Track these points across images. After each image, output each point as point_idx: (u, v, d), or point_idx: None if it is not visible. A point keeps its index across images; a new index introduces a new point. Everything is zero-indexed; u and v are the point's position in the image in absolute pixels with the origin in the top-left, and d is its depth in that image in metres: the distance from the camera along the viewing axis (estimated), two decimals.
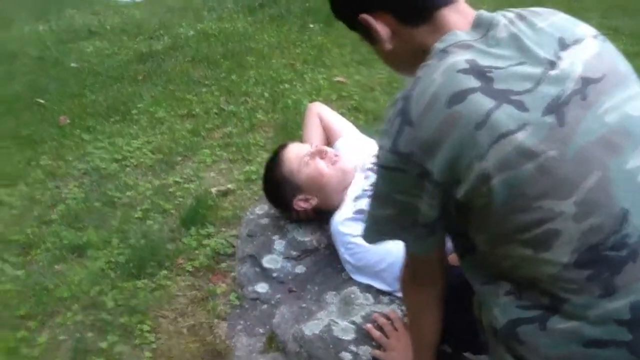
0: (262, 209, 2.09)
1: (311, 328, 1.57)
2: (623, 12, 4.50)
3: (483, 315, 1.10)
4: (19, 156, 2.82)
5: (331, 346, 1.52)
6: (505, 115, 0.89)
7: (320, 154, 1.84)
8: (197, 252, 2.04)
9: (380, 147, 1.01)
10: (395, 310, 1.59)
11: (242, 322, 1.74)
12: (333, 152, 1.89)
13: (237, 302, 1.80)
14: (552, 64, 0.95)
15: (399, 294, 1.62)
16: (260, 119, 3.03)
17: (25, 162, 2.77)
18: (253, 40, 4.18)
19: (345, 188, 1.84)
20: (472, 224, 1.00)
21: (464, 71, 0.92)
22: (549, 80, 0.93)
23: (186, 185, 2.47)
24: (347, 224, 1.71)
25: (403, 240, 1.11)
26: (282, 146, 1.93)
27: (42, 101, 3.42)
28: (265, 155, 2.50)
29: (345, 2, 1.10)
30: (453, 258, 1.15)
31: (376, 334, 1.51)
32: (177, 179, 2.52)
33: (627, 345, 0.91)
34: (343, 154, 1.99)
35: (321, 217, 1.89)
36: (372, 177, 1.78)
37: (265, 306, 1.76)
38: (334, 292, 1.69)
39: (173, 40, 4.28)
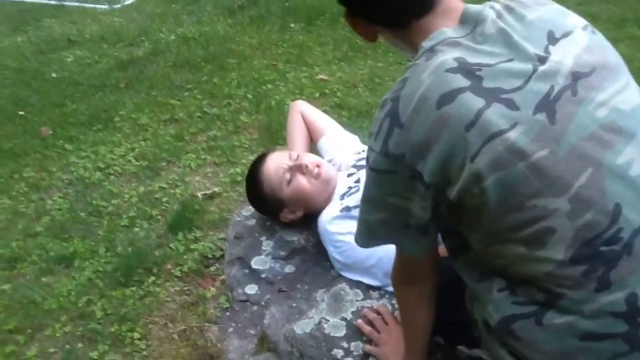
0: (248, 210, 2.07)
1: (302, 327, 1.57)
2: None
3: (476, 310, 1.10)
4: (1, 170, 2.79)
5: (323, 344, 1.52)
6: (496, 115, 0.89)
7: (300, 169, 1.77)
8: (185, 257, 2.03)
9: (370, 149, 1.00)
10: (385, 305, 1.59)
11: (233, 324, 1.73)
12: (313, 162, 1.81)
13: (227, 305, 1.79)
14: (541, 60, 0.94)
15: (389, 289, 1.62)
16: (244, 121, 3.02)
17: (8, 175, 2.74)
18: (234, 42, 4.16)
19: (331, 194, 1.82)
20: (465, 223, 0.99)
21: (453, 70, 0.91)
22: (538, 76, 0.92)
23: (172, 191, 2.46)
24: (335, 223, 1.71)
25: (396, 243, 1.11)
26: (260, 160, 1.86)
27: (23, 113, 3.39)
28: (250, 157, 2.50)
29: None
30: (443, 249, 1.15)
31: (367, 329, 1.51)
32: (163, 185, 2.51)
33: (623, 336, 0.91)
34: (327, 156, 1.98)
35: (310, 220, 1.89)
36: (357, 174, 1.80)
37: (255, 307, 1.75)
38: (323, 290, 1.69)
39: (154, 45, 4.25)
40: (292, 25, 4.38)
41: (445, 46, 0.95)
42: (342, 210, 1.71)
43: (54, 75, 3.96)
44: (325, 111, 2.35)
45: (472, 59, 0.93)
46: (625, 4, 4.47)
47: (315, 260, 1.82)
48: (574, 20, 1.04)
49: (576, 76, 0.94)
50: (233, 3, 4.93)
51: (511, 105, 0.90)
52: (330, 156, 2.00)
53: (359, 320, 1.54)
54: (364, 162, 1.81)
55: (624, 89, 0.98)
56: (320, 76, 3.49)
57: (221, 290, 1.87)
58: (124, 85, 3.65)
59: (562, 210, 0.89)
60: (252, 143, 2.79)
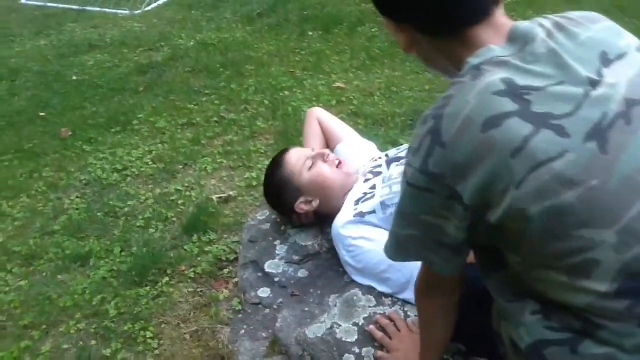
0: (263, 214, 2.09)
1: (314, 331, 1.57)
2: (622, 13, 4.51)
3: (504, 330, 1.08)
4: (22, 169, 2.84)
5: (334, 349, 1.52)
6: (545, 143, 0.85)
7: (323, 157, 1.85)
8: (199, 259, 2.05)
9: (409, 165, 0.97)
10: (397, 312, 1.58)
11: (245, 327, 1.73)
12: (335, 156, 1.90)
13: (239, 308, 1.80)
14: (594, 83, 0.90)
15: (400, 296, 1.62)
16: (260, 127, 3.05)
17: (28, 174, 2.78)
18: (252, 49, 4.20)
19: (347, 192, 1.84)
20: (505, 245, 0.96)
21: (500, 93, 0.87)
22: (590, 102, 0.88)
23: (187, 193, 2.48)
24: (348, 227, 1.71)
25: (425, 260, 1.08)
26: (284, 150, 1.94)
27: (44, 114, 3.45)
28: (266, 162, 2.51)
29: (376, 2, 1.04)
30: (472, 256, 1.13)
31: (379, 334, 1.50)
32: (179, 187, 2.53)
33: None
34: (345, 158, 1.99)
35: (321, 221, 1.89)
36: (372, 180, 1.81)
37: (267, 311, 1.75)
38: (336, 295, 1.69)
39: (173, 51, 4.31)
40: (310, 33, 4.41)
41: (493, 66, 0.91)
42: (356, 215, 1.71)
43: (74, 78, 4.02)
44: (341, 119, 2.36)
45: (521, 80, 0.88)
46: None
47: (329, 265, 1.82)
48: (629, 41, 0.99)
49: (630, 103, 0.89)
50: (252, 11, 4.99)
51: (561, 132, 0.85)
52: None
53: (371, 326, 1.53)
54: (380, 169, 1.84)
55: None
56: (337, 84, 3.51)
57: (234, 292, 1.88)
58: (143, 89, 3.70)
59: (609, 242, 0.85)
60: (268, 149, 2.81)
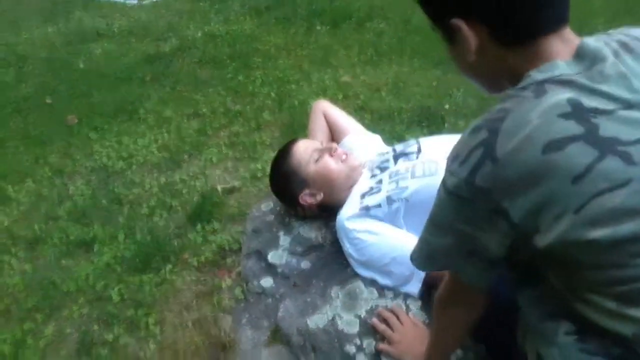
0: (267, 206, 2.09)
1: (316, 321, 1.57)
2: (631, 17, 4.49)
3: (530, 345, 1.06)
4: (28, 155, 2.85)
5: (336, 340, 1.52)
6: (609, 169, 0.81)
7: (330, 151, 1.85)
8: (202, 247, 2.05)
9: (452, 174, 0.93)
10: (399, 305, 1.59)
11: (247, 315, 1.74)
12: (342, 150, 1.90)
13: (241, 297, 1.80)
14: None
15: (402, 289, 1.62)
16: (266, 119, 3.05)
17: (33, 160, 2.79)
18: (259, 41, 4.20)
19: (352, 185, 1.84)
20: (549, 268, 0.94)
21: (566, 116, 0.83)
22: None
23: (192, 183, 2.49)
24: (353, 220, 1.71)
25: (456, 269, 1.05)
26: (292, 141, 1.93)
27: (50, 101, 3.46)
28: (271, 154, 2.51)
29: (441, 1, 0.98)
30: None
31: (381, 327, 1.50)
32: (184, 177, 2.54)
33: None
34: (351, 151, 1.99)
35: (326, 213, 1.90)
36: (379, 175, 1.81)
37: (269, 300, 1.76)
38: (338, 287, 1.69)
39: (180, 41, 4.31)
40: (318, 27, 4.41)
41: (558, 84, 0.87)
42: (362, 209, 1.72)
43: (82, 66, 4.04)
44: (347, 113, 2.36)
45: (588, 101, 0.84)
46: None
47: (332, 257, 1.82)
48: None
49: None
50: (260, 4, 4.98)
51: (627, 159, 0.82)
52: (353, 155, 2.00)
53: (374, 319, 1.53)
54: (387, 164, 1.84)
55: None
56: (344, 78, 3.50)
57: (237, 281, 1.88)
58: (149, 79, 3.70)
59: None
60: (273, 141, 2.81)
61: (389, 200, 1.67)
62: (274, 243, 1.91)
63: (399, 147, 1.92)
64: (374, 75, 3.54)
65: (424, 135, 2.60)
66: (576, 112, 0.83)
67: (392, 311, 1.55)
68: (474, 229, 0.94)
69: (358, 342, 1.51)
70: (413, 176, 1.67)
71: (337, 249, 1.81)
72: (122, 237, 2.14)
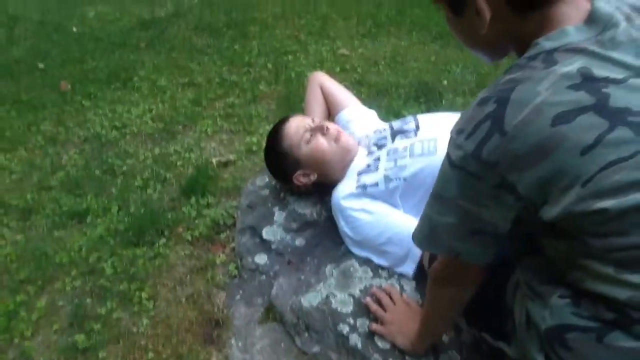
0: (262, 180, 2.08)
1: (309, 300, 1.58)
2: None
3: (519, 306, 1.08)
4: (19, 121, 2.80)
5: (329, 318, 1.53)
6: (619, 140, 0.81)
7: (322, 130, 1.80)
8: (196, 221, 2.04)
9: (458, 147, 0.91)
10: (393, 285, 1.59)
11: (240, 292, 1.74)
12: (335, 128, 1.85)
13: (235, 273, 1.80)
14: None
15: (397, 270, 1.63)
16: (262, 91, 3.01)
17: (26, 127, 2.76)
18: (257, 9, 4.13)
19: (347, 164, 1.82)
20: (551, 237, 0.94)
21: (576, 87, 0.82)
22: None
23: (187, 155, 2.46)
24: (349, 199, 1.70)
25: (457, 251, 1.03)
26: (283, 120, 1.90)
27: (42, 66, 3.40)
28: (267, 127, 2.49)
29: None
30: None
31: (374, 307, 1.51)
32: (178, 148, 2.51)
33: None
34: (346, 129, 1.97)
35: (321, 190, 1.88)
36: (377, 153, 1.79)
37: (263, 277, 1.76)
38: (333, 265, 1.69)
39: (176, 7, 4.23)
40: None
41: (568, 53, 0.86)
42: (358, 187, 1.70)
43: (75, 30, 3.96)
44: (344, 87, 2.33)
45: (599, 70, 0.83)
46: None
47: (327, 234, 1.82)
48: None
49: None
50: None
51: (638, 130, 0.81)
52: (349, 131, 1.98)
53: (367, 299, 1.54)
54: (384, 141, 1.82)
55: None
56: (342, 51, 3.45)
57: (230, 257, 1.88)
58: (144, 45, 3.64)
59: None
60: (269, 113, 2.78)
61: (387, 179, 1.66)
62: (268, 219, 1.90)
63: (396, 124, 1.89)
64: (372, 48, 3.49)
65: (421, 111, 2.58)
66: (586, 82, 0.82)
67: (385, 291, 1.56)
68: (478, 206, 0.93)
69: (351, 321, 1.51)
70: (412, 155, 1.65)
71: (332, 225, 1.81)
72: (115, 209, 2.12)
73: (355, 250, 1.71)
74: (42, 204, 2.18)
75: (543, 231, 0.94)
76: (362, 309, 1.53)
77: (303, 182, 1.84)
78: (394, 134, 1.83)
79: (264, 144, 1.97)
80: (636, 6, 0.91)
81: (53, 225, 2.07)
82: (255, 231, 1.88)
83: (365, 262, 1.68)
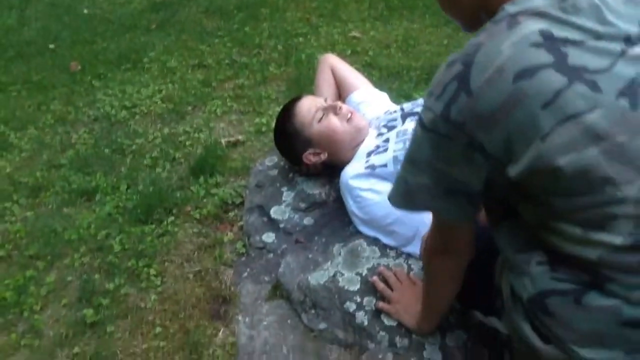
0: (271, 160, 2.07)
1: (317, 278, 1.58)
2: None
3: (505, 281, 1.08)
4: (30, 100, 2.82)
5: (336, 296, 1.53)
6: (577, 95, 0.84)
7: (334, 110, 1.80)
8: (205, 200, 2.04)
9: (428, 109, 0.95)
10: (401, 264, 1.58)
11: (248, 269, 1.74)
12: (347, 108, 1.84)
13: (243, 251, 1.80)
14: (631, 42, 0.88)
15: (405, 249, 1.62)
16: (272, 72, 2.99)
17: (36, 106, 2.76)
18: None
19: (357, 145, 1.81)
20: (520, 198, 0.96)
21: (537, 45, 0.86)
22: (626, 59, 0.87)
23: (196, 135, 2.46)
24: (358, 179, 1.70)
25: (436, 209, 1.06)
26: (296, 98, 1.89)
27: (53, 47, 3.40)
28: (276, 109, 2.48)
29: None
30: (482, 217, 1.12)
31: (380, 285, 1.50)
32: (187, 129, 2.51)
33: None
34: (357, 110, 1.95)
35: (330, 171, 1.88)
36: (386, 134, 1.78)
37: (271, 255, 1.76)
38: (341, 244, 1.68)
39: None
40: None
41: (531, 15, 0.89)
42: (367, 167, 1.69)
43: (85, 11, 3.96)
44: (355, 69, 2.31)
45: (559, 32, 0.87)
46: None
47: (335, 214, 1.82)
48: None
49: None
50: None
51: (594, 87, 0.85)
52: (360, 113, 1.97)
53: (374, 277, 1.53)
54: (395, 123, 1.80)
55: None
56: (353, 33, 3.43)
57: (238, 236, 1.88)
58: (154, 27, 3.63)
59: (631, 197, 0.85)
60: (279, 95, 2.76)
61: (396, 160, 1.65)
62: (277, 198, 1.90)
63: (407, 106, 1.88)
64: (384, 31, 3.46)
65: None
66: (547, 41, 0.86)
67: (392, 270, 1.55)
68: (450, 166, 0.96)
69: (358, 299, 1.51)
70: None
71: (341, 205, 1.80)
72: (124, 187, 2.12)
73: (364, 229, 1.70)
74: (51, 182, 2.19)
75: (513, 193, 0.96)
76: (369, 288, 1.53)
77: (313, 161, 1.84)
78: (405, 116, 1.82)
79: (273, 125, 1.96)
80: None
81: (62, 202, 2.08)
82: (263, 210, 1.88)
83: (373, 241, 1.67)
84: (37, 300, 1.68)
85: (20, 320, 1.63)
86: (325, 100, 1.85)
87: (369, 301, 1.50)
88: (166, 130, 2.50)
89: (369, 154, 1.75)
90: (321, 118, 1.79)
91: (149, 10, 3.92)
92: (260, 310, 1.60)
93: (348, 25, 3.54)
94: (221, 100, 2.72)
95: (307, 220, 1.83)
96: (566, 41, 0.86)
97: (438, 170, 0.97)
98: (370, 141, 1.81)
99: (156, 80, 2.96)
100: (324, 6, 3.83)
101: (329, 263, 1.62)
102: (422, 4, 3.73)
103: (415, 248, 1.59)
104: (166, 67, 3.09)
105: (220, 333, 1.55)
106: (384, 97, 2.10)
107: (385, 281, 1.52)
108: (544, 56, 0.85)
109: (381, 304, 1.48)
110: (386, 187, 1.65)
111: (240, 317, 1.59)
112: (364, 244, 1.66)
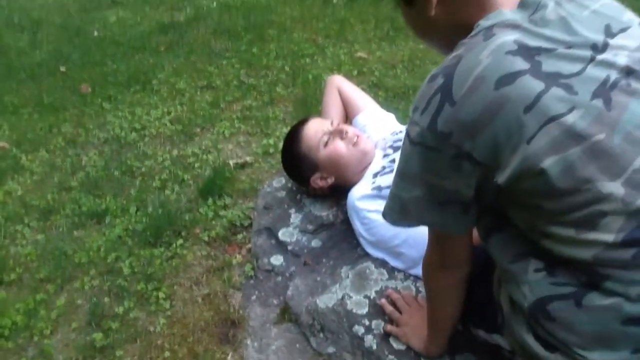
0: (279, 182, 2.08)
1: (325, 301, 1.58)
2: None
3: (503, 294, 1.09)
4: (41, 123, 2.85)
5: (344, 319, 1.53)
6: (555, 99, 0.88)
7: (341, 134, 1.80)
8: (213, 222, 2.05)
9: (415, 123, 0.98)
10: (409, 287, 1.58)
11: (256, 292, 1.75)
12: (354, 131, 1.84)
13: (251, 273, 1.81)
14: (599, 50, 0.94)
15: (412, 271, 1.62)
16: (280, 93, 3.02)
17: (47, 128, 2.80)
18: (275, 13, 4.15)
19: (365, 168, 1.81)
20: (511, 204, 0.99)
21: (513, 53, 0.90)
22: (596, 64, 0.92)
23: (204, 157, 2.48)
24: (364, 200, 1.70)
25: (429, 223, 1.09)
26: (302, 121, 1.90)
27: (64, 69, 3.45)
28: (284, 130, 2.50)
29: None
30: (476, 236, 1.14)
31: (388, 308, 1.51)
32: (196, 150, 2.53)
33: None
34: (363, 132, 1.97)
35: (338, 192, 1.88)
36: (392, 155, 1.78)
37: (279, 278, 1.76)
38: (348, 267, 1.69)
39: (195, 11, 4.27)
40: (335, 0, 4.33)
41: (504, 27, 0.94)
42: (374, 189, 1.70)
43: (96, 34, 4.01)
44: (362, 90, 2.33)
45: (532, 42, 0.92)
46: None
47: (343, 236, 1.82)
48: (631, 17, 1.04)
49: (630, 71, 0.94)
50: None
51: (569, 89, 0.89)
52: (366, 134, 1.98)
53: (382, 300, 1.54)
54: (400, 143, 1.81)
55: None
56: (360, 54, 3.46)
57: (247, 258, 1.89)
58: (163, 49, 3.68)
59: (616, 194, 0.88)
60: (286, 116, 2.79)
61: None
62: (284, 220, 1.91)
63: None
64: (390, 51, 3.49)
65: None
66: (521, 50, 0.91)
67: (400, 293, 1.55)
68: (440, 178, 0.98)
69: (367, 322, 1.51)
70: None
71: (348, 227, 1.81)
72: (133, 209, 2.14)
73: (371, 251, 1.71)
74: (62, 204, 2.22)
75: (503, 199, 0.99)
76: (377, 311, 1.53)
77: (320, 185, 1.85)
78: None
79: (281, 146, 1.97)
80: None
81: (73, 225, 2.10)
82: (271, 232, 1.89)
83: (381, 264, 1.67)
84: (47, 324, 1.69)
85: (31, 344, 1.64)
86: (332, 123, 1.85)
87: (377, 324, 1.50)
88: (175, 152, 2.52)
89: (375, 175, 1.76)
90: (327, 142, 1.79)
91: (157, 32, 3.97)
92: (269, 334, 1.61)
93: (354, 46, 3.57)
94: (229, 122, 2.74)
95: (315, 242, 1.83)
96: (539, 49, 0.91)
97: (429, 182, 1.00)
98: (376, 162, 1.82)
99: (165, 101, 3.00)
100: (330, 27, 3.86)
101: (337, 285, 1.63)
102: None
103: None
104: (175, 88, 3.13)
105: (229, 357, 1.55)
106: (390, 117, 2.12)
107: (393, 304, 1.52)
108: (520, 63, 0.90)
109: (389, 327, 1.48)
110: None
111: (248, 341, 1.59)
112: (372, 267, 1.66)
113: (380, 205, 1.67)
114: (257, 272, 1.81)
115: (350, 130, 1.83)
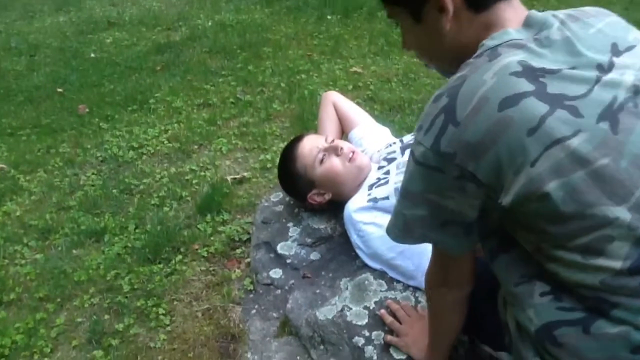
0: (277, 196, 2.09)
1: (324, 313, 1.58)
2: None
3: (509, 316, 1.08)
4: (39, 144, 2.86)
5: (344, 331, 1.53)
6: (560, 122, 0.87)
7: (336, 151, 1.80)
8: (212, 238, 2.06)
9: (418, 143, 0.97)
10: (408, 297, 1.59)
11: (256, 306, 1.75)
12: (349, 147, 1.85)
13: (251, 287, 1.81)
14: (605, 70, 0.93)
15: (410, 282, 1.62)
16: (276, 109, 3.04)
17: (45, 149, 2.81)
18: (270, 31, 4.19)
19: (361, 183, 1.82)
20: (516, 227, 0.98)
21: (517, 74, 0.89)
22: (602, 85, 0.91)
23: (202, 173, 2.49)
24: (361, 212, 1.71)
25: (434, 241, 1.08)
26: (297, 139, 1.91)
27: (61, 90, 3.47)
28: (281, 145, 2.52)
29: None
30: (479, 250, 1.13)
31: (388, 319, 1.51)
32: (193, 167, 2.55)
33: None
34: (359, 145, 1.98)
35: (336, 207, 1.89)
36: (387, 167, 1.80)
37: (279, 291, 1.76)
38: (347, 279, 1.69)
39: (191, 31, 4.31)
40: (329, 17, 4.39)
41: (509, 47, 0.93)
42: (369, 201, 1.71)
43: (93, 55, 4.05)
44: (357, 104, 2.35)
45: (536, 63, 0.91)
46: None
47: (341, 249, 1.83)
48: (637, 36, 1.03)
49: (637, 90, 0.92)
50: None
51: (575, 112, 0.88)
52: (361, 148, 2.00)
53: (382, 311, 1.54)
54: (395, 155, 1.83)
55: None
56: (355, 69, 3.49)
57: (246, 272, 1.89)
58: (160, 68, 3.71)
59: (623, 219, 0.87)
60: (283, 131, 2.81)
61: (397, 192, 1.66)
62: (283, 234, 1.92)
63: (406, 138, 1.91)
64: (385, 65, 3.53)
65: None
66: (526, 71, 0.90)
67: (400, 304, 1.55)
68: (443, 198, 0.98)
69: (366, 334, 1.51)
70: None
71: (346, 240, 1.81)
72: (132, 227, 2.15)
73: (369, 262, 1.71)
74: (61, 224, 2.22)
75: (509, 221, 0.98)
76: (377, 322, 1.53)
77: (318, 201, 1.86)
78: (404, 148, 1.85)
79: (277, 162, 1.99)
80: (570, 14, 1.00)
81: (72, 244, 2.10)
82: (270, 246, 1.90)
83: (380, 275, 1.68)
84: (48, 342, 1.68)
85: None
86: (326, 140, 1.86)
87: (377, 335, 1.50)
88: (173, 170, 2.54)
89: (370, 187, 1.77)
90: (322, 159, 1.80)
91: (154, 52, 4.01)
92: (269, 347, 1.60)
93: (349, 61, 3.61)
94: (226, 139, 2.76)
95: (314, 255, 1.84)
96: (544, 71, 0.90)
97: (432, 202, 0.99)
98: (371, 174, 1.83)
99: (162, 120, 3.02)
100: (324, 43, 3.90)
101: (337, 297, 1.63)
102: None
103: (419, 282, 1.60)
104: (172, 107, 3.15)
105: None
106: (385, 131, 2.14)
107: (393, 314, 1.52)
108: (525, 85, 0.89)
109: (389, 337, 1.48)
110: (388, 220, 1.67)
111: (249, 355, 1.59)
112: (371, 278, 1.67)
113: (376, 216, 1.70)
114: (256, 286, 1.81)
115: (345, 146, 1.84)
